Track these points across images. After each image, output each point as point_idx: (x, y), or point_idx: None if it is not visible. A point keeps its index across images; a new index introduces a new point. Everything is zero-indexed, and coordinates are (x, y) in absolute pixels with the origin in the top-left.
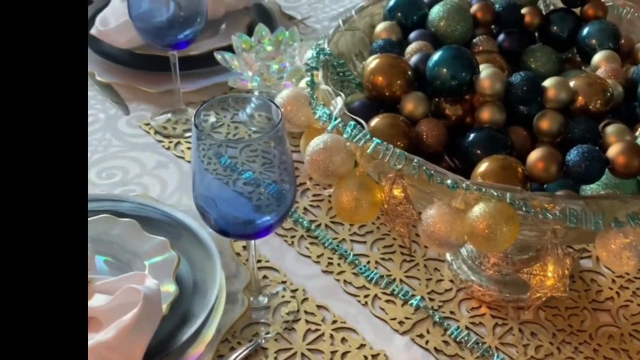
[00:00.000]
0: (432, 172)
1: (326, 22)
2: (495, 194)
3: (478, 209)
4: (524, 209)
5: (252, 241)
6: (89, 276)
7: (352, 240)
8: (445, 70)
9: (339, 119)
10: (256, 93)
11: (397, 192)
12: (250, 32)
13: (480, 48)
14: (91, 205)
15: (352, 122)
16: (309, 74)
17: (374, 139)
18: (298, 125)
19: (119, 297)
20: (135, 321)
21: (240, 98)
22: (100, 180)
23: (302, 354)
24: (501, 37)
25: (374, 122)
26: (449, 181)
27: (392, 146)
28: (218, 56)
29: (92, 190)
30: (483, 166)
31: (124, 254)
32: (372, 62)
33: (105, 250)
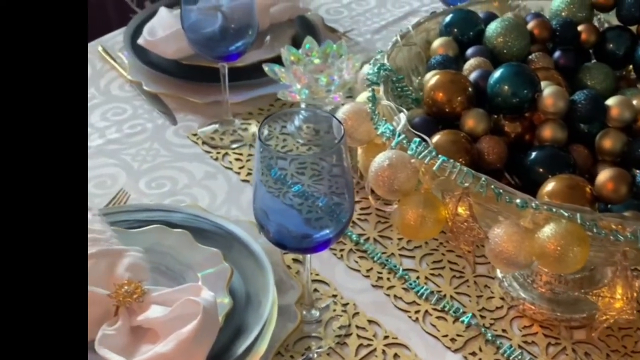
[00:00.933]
0: (501, 190)
1: (368, 35)
2: (565, 214)
3: (549, 230)
4: (594, 230)
5: (308, 255)
6: (145, 287)
7: (400, 255)
8: (507, 87)
9: (402, 135)
10: (303, 105)
11: (461, 209)
12: (294, 44)
13: (537, 65)
14: (143, 215)
15: (417, 139)
16: (369, 89)
17: (439, 156)
18: (358, 141)
19: (177, 309)
20: (194, 333)
21: (304, 111)
22: (150, 190)
23: None
24: (557, 53)
25: (436, 138)
26: (518, 200)
27: (458, 164)
28: (266, 68)
29: (142, 200)
30: (550, 185)
31: (176, 264)
32: (433, 78)
33: (158, 261)
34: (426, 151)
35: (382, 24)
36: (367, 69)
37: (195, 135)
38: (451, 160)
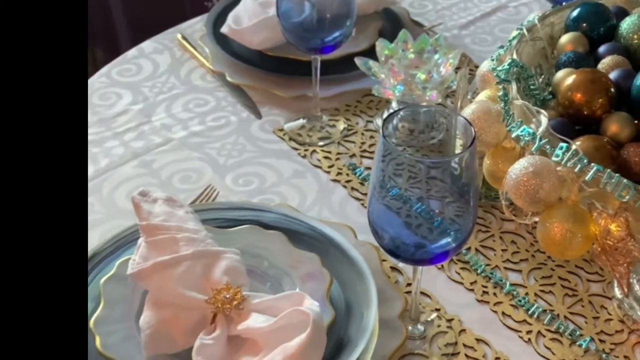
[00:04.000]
0: None
1: (455, 30)
2: None
3: None
4: None
5: (420, 267)
6: (245, 293)
7: (505, 268)
8: None
9: (545, 140)
10: (394, 104)
11: (613, 226)
12: (383, 37)
13: None
14: (234, 214)
15: (563, 144)
16: (501, 87)
17: (593, 164)
18: (486, 144)
19: (283, 319)
20: (303, 347)
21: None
22: (237, 187)
23: None
24: None
25: (577, 143)
26: None
27: (617, 174)
28: (359, 62)
29: (229, 197)
30: None
31: (270, 268)
32: (569, 77)
33: (252, 263)
34: (576, 158)
35: (470, 19)
36: (486, 65)
37: (281, 130)
38: (608, 170)
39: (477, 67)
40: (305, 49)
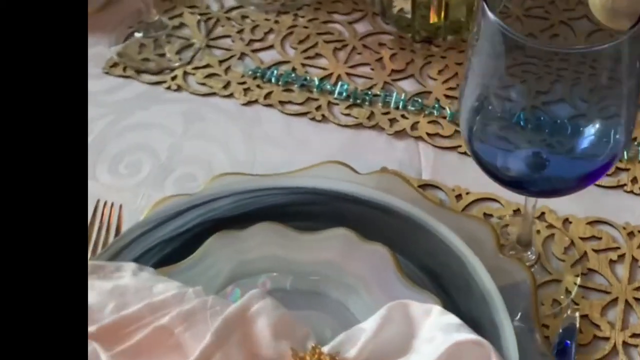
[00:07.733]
0: None
1: None
2: None
3: None
4: None
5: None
6: (327, 347)
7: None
8: None
9: None
10: None
11: None
12: None
13: None
14: (173, 227)
15: None
16: None
17: None
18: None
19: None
20: None
21: None
22: (124, 180)
23: (635, 298)
24: None
25: None
26: None
27: None
28: None
29: (129, 204)
30: None
31: (289, 278)
32: None
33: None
34: None
35: None
36: None
37: (115, 65)
38: None
39: None
40: None
